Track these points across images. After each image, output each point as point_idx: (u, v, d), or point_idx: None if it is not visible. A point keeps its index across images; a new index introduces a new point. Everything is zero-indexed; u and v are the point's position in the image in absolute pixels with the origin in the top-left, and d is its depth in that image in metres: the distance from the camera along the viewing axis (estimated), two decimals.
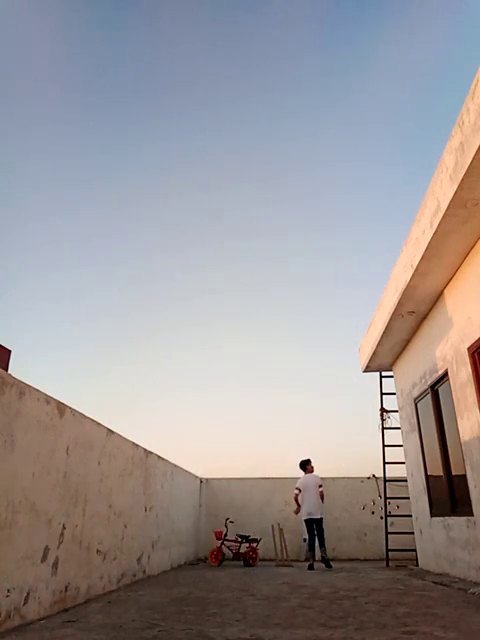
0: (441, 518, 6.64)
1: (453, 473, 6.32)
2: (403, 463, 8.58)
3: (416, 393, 7.58)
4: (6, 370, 5.04)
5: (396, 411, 8.91)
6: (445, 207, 4.75)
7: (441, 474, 6.66)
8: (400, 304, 6.65)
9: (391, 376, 9.19)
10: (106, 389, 18.26)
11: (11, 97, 15.78)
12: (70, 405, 4.34)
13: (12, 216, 17.35)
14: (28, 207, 17.77)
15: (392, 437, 8.99)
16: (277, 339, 19.49)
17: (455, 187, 4.47)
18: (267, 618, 3.56)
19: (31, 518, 3.58)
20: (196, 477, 10.67)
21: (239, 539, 9.10)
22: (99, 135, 17.99)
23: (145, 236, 19.58)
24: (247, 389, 18.69)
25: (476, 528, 5.45)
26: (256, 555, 8.79)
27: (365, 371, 9.44)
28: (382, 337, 7.74)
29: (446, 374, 6.31)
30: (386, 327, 7.39)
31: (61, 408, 4.17)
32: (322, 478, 8.57)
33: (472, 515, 5.54)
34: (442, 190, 4.83)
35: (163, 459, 7.71)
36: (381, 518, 9.66)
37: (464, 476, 5.79)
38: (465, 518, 5.75)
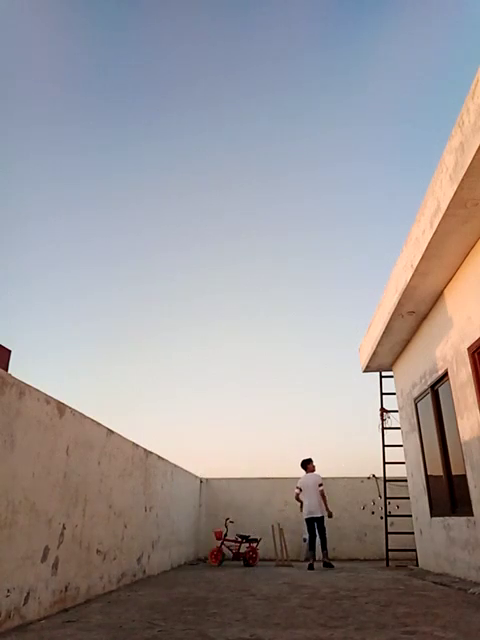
0: (441, 518, 6.64)
1: (453, 473, 6.32)
2: (403, 463, 8.58)
3: (416, 393, 7.58)
4: (6, 370, 5.04)
5: (396, 411, 8.91)
6: (445, 207, 4.75)
7: (441, 474, 6.66)
8: (400, 304, 6.65)
9: (391, 376, 9.19)
10: (106, 389, 18.27)
11: (11, 97, 15.79)
12: (70, 405, 4.35)
13: (12, 216, 17.37)
14: (28, 207, 17.78)
15: (392, 437, 9.00)
16: (277, 339, 19.50)
17: (455, 187, 4.47)
18: (267, 618, 3.56)
19: (31, 518, 3.58)
20: (196, 477, 10.68)
21: (239, 539, 9.10)
22: (99, 135, 18.00)
23: (145, 236, 19.59)
24: (247, 389, 18.70)
25: (476, 528, 5.45)
26: (256, 555, 8.79)
27: (365, 371, 9.44)
28: (382, 337, 7.74)
29: (446, 374, 6.31)
30: (386, 327, 7.39)
31: (61, 408, 4.17)
32: (323, 478, 8.57)
33: (472, 515, 5.54)
34: (442, 190, 4.83)
35: (163, 459, 7.71)
36: (381, 518, 9.66)
37: (464, 476, 5.79)
38: (465, 518, 5.75)
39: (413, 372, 7.74)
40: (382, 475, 9.07)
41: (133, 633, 3.08)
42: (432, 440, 6.97)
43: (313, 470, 8.65)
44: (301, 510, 8.53)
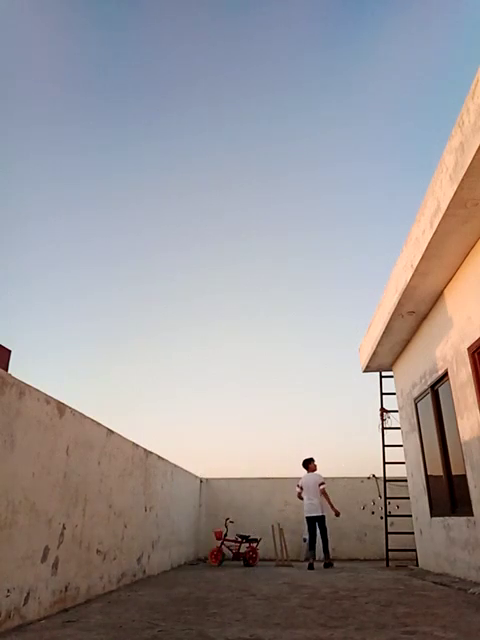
0: (441, 518, 6.64)
1: (453, 473, 6.33)
2: (403, 463, 8.58)
3: (416, 393, 7.58)
4: (6, 370, 5.04)
5: (396, 411, 8.91)
6: (445, 207, 4.75)
7: (441, 474, 6.66)
8: (400, 304, 6.65)
9: (391, 376, 9.20)
10: (106, 389, 18.27)
11: (11, 97, 15.79)
12: (70, 405, 4.35)
13: (12, 216, 17.36)
14: (28, 207, 17.78)
15: (392, 437, 9.00)
16: (277, 339, 19.50)
17: (455, 187, 4.47)
18: (267, 618, 3.56)
19: (31, 518, 3.58)
20: (196, 477, 10.68)
21: (239, 539, 9.10)
22: (99, 135, 17.99)
23: (145, 236, 19.58)
24: (247, 389, 18.70)
25: (476, 528, 5.45)
26: (256, 555, 8.79)
27: (365, 371, 9.44)
28: (382, 337, 7.74)
29: (446, 374, 6.31)
30: (386, 327, 7.39)
31: (61, 408, 4.17)
32: (323, 478, 8.59)
33: (472, 515, 5.54)
34: (442, 190, 4.83)
35: (163, 459, 7.71)
36: (381, 518, 9.65)
37: (464, 476, 5.79)
38: (465, 518, 5.75)
39: (413, 372, 7.74)
40: (382, 475, 9.07)
41: (133, 633, 3.08)
42: (432, 440, 6.97)
43: (314, 469, 8.66)
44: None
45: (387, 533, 8.73)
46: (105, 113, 17.65)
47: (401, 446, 8.68)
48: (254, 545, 8.90)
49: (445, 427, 6.59)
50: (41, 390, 3.85)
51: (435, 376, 6.69)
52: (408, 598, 4.49)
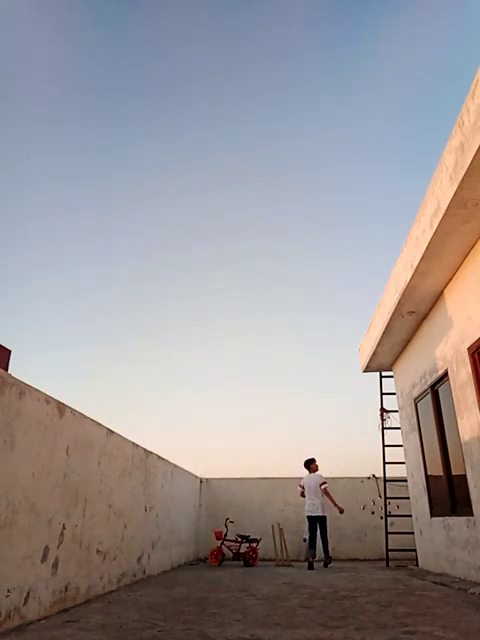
0: (441, 518, 6.64)
1: (453, 473, 6.33)
2: (403, 463, 8.58)
3: (416, 393, 7.58)
4: (6, 370, 5.04)
5: (396, 411, 8.91)
6: (445, 207, 4.75)
7: (441, 474, 6.66)
8: (400, 304, 6.65)
9: (391, 376, 9.20)
10: (106, 389, 18.26)
11: (11, 97, 15.79)
12: (70, 405, 4.35)
13: (12, 216, 17.36)
14: (28, 207, 17.78)
15: (392, 437, 9.00)
16: (277, 339, 19.49)
17: (455, 187, 4.47)
18: (267, 618, 3.56)
19: (31, 518, 3.58)
20: (196, 477, 10.67)
21: (239, 539, 9.10)
22: (99, 135, 17.99)
23: (145, 236, 19.58)
24: (247, 389, 18.70)
25: (476, 528, 5.45)
26: (256, 555, 8.79)
27: (365, 371, 9.44)
28: (382, 337, 7.74)
29: (446, 374, 6.31)
30: (386, 327, 7.39)
31: (61, 408, 4.17)
32: (324, 478, 8.62)
33: (472, 515, 5.54)
34: (442, 190, 4.83)
35: (163, 459, 7.71)
36: (381, 518, 9.65)
37: (464, 476, 5.79)
38: (465, 518, 5.75)
39: (413, 372, 7.74)
40: (382, 475, 9.07)
41: (133, 633, 3.08)
42: (432, 440, 6.97)
43: (316, 470, 8.70)
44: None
45: (387, 533, 8.73)
46: (105, 113, 17.66)
47: (401, 446, 8.68)
48: (254, 545, 8.90)
49: (445, 427, 6.59)
50: (41, 390, 3.85)
51: (435, 376, 6.69)
52: (408, 598, 4.49)
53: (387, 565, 8.37)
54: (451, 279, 6.04)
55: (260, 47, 17.02)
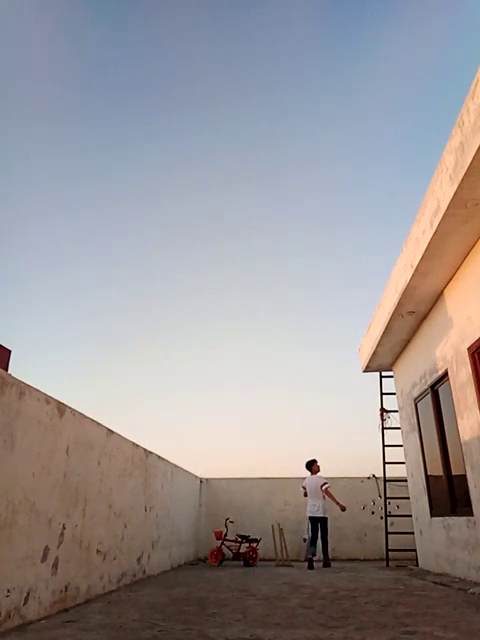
0: (441, 518, 6.64)
1: (453, 473, 6.33)
2: (403, 463, 8.59)
3: (416, 393, 7.58)
4: (6, 370, 5.04)
5: (396, 411, 8.91)
6: (445, 207, 4.75)
7: (441, 474, 6.66)
8: (400, 304, 6.65)
9: (391, 376, 9.20)
10: (106, 389, 18.26)
11: (11, 97, 15.79)
12: (70, 405, 4.35)
13: (12, 216, 17.36)
14: (28, 207, 17.78)
15: (392, 437, 9.00)
16: (277, 339, 19.49)
17: (455, 187, 4.47)
18: (267, 618, 3.56)
19: (31, 518, 3.58)
20: (196, 477, 10.67)
21: (239, 539, 9.10)
22: (99, 135, 17.99)
23: (145, 236, 19.58)
24: (247, 389, 18.70)
25: (476, 528, 5.45)
26: (256, 555, 8.79)
27: (365, 371, 9.44)
28: (382, 337, 7.74)
29: (446, 374, 6.31)
30: (386, 327, 7.39)
31: (61, 408, 4.17)
32: (325, 479, 8.64)
33: (472, 515, 5.54)
34: (442, 190, 4.83)
35: (163, 459, 7.71)
36: (381, 518, 9.65)
37: (464, 476, 5.79)
38: (465, 518, 5.75)
39: (413, 372, 7.74)
40: (382, 475, 9.07)
41: (133, 633, 3.08)
42: (432, 440, 6.97)
43: (317, 471, 8.75)
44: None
45: (387, 533, 8.73)
46: (105, 113, 17.65)
47: (401, 446, 8.68)
48: (254, 545, 8.90)
49: (445, 427, 6.59)
50: (41, 390, 3.85)
51: (435, 376, 6.69)
52: (408, 598, 4.49)
53: (387, 565, 8.37)
54: (451, 279, 6.04)
55: (260, 47, 17.03)
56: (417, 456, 7.65)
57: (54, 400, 4.05)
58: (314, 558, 8.10)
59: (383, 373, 9.43)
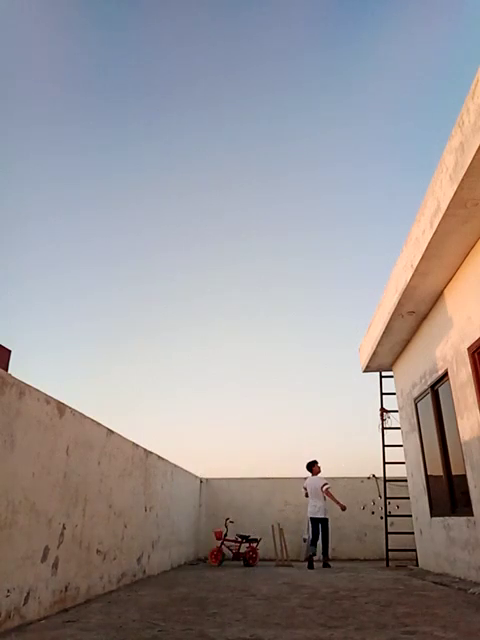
0: (441, 518, 6.64)
1: (453, 473, 6.33)
2: (403, 463, 8.59)
3: (416, 393, 7.58)
4: (6, 370, 5.04)
5: (396, 411, 8.91)
6: (445, 207, 4.75)
7: (441, 474, 6.66)
8: (400, 304, 6.65)
9: (391, 376, 9.19)
10: (106, 389, 18.26)
11: (11, 97, 15.79)
12: (70, 405, 4.34)
13: (12, 216, 17.36)
14: (28, 207, 17.78)
15: (392, 437, 9.00)
16: (277, 339, 19.49)
17: (455, 187, 4.47)
18: (267, 618, 3.56)
19: (31, 518, 3.58)
20: (196, 477, 10.67)
21: (239, 539, 9.10)
22: (99, 135, 17.99)
23: (145, 236, 19.58)
24: (247, 389, 18.70)
25: (476, 528, 5.45)
26: (256, 555, 8.79)
27: (365, 371, 9.44)
28: (382, 337, 7.74)
29: (446, 374, 6.31)
30: (386, 327, 7.39)
31: (61, 408, 4.17)
32: (326, 480, 8.65)
33: (472, 515, 5.54)
34: (442, 190, 4.83)
35: (163, 459, 7.71)
36: (381, 518, 9.65)
37: (464, 476, 5.79)
38: (465, 518, 5.75)
39: (413, 372, 7.74)
40: (382, 475, 9.07)
41: (133, 633, 3.08)
42: (432, 440, 6.97)
43: (318, 472, 8.78)
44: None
45: (387, 533, 8.73)
46: (105, 113, 17.65)
47: (401, 446, 8.68)
48: (254, 545, 8.90)
49: (445, 427, 6.59)
50: (41, 390, 3.85)
51: (435, 376, 6.69)
52: (408, 598, 4.49)
53: (387, 565, 8.38)
54: (451, 279, 6.04)
55: (260, 47, 17.03)
56: (417, 456, 7.65)
57: (54, 400, 4.05)
58: (314, 558, 8.13)
59: (383, 373, 9.43)
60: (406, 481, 8.49)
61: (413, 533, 8.09)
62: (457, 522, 6.03)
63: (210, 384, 18.36)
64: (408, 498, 8.40)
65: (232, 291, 19.98)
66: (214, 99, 17.73)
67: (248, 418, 16.54)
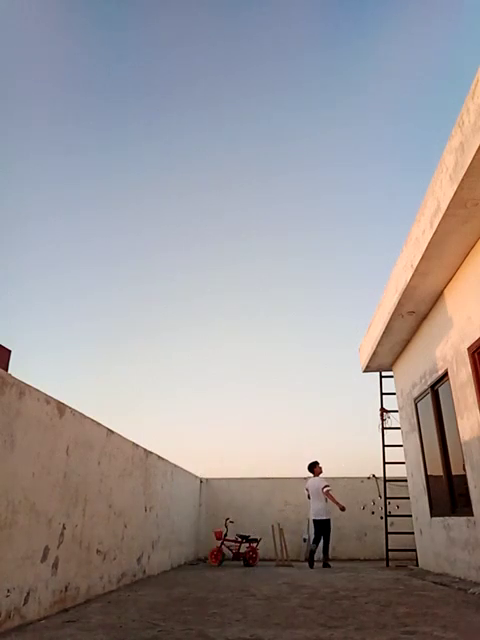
0: (441, 518, 6.64)
1: (453, 473, 6.32)
2: (403, 463, 8.58)
3: (416, 393, 7.58)
4: (6, 370, 5.04)
5: (396, 411, 8.91)
6: (445, 207, 4.75)
7: (441, 474, 6.66)
8: (400, 304, 6.65)
9: (391, 376, 9.19)
10: (106, 389, 18.26)
11: (11, 97, 15.79)
12: (70, 405, 4.34)
13: (12, 216, 17.36)
14: (28, 207, 17.78)
15: (392, 437, 9.00)
16: (277, 339, 19.49)
17: (455, 187, 4.46)
18: (267, 618, 3.56)
19: (31, 518, 3.58)
20: (196, 477, 10.67)
21: (239, 539, 9.10)
22: (99, 135, 18.00)
23: (145, 236, 19.58)
24: (247, 389, 18.69)
25: (476, 528, 5.45)
26: (256, 555, 8.79)
27: (365, 371, 9.44)
28: (382, 337, 7.74)
29: (446, 374, 6.30)
30: (386, 327, 7.39)
31: (61, 408, 4.17)
32: (326, 481, 8.66)
33: (472, 515, 5.54)
34: (442, 190, 4.83)
35: (163, 459, 7.71)
36: (381, 518, 9.65)
37: (464, 476, 5.79)
38: (465, 518, 5.75)
39: (413, 372, 7.74)
40: (382, 475, 9.07)
41: (133, 633, 3.08)
42: (432, 440, 6.97)
43: (319, 472, 8.81)
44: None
45: (387, 533, 8.73)
46: (105, 113, 17.65)
47: (401, 446, 8.68)
48: (254, 545, 8.90)
49: (445, 427, 6.59)
50: (41, 390, 3.85)
51: (435, 376, 6.69)
52: (408, 598, 4.49)
53: (387, 565, 8.38)
54: (451, 279, 6.04)
55: (260, 47, 17.03)
56: (417, 456, 7.65)
57: (54, 400, 4.05)
58: (315, 557, 8.14)
59: (383, 373, 9.43)
60: (406, 481, 8.49)
61: (413, 533, 8.09)
62: (457, 522, 6.03)
63: (210, 384, 18.36)
64: (408, 498, 8.40)
65: (232, 291, 19.99)
66: (214, 99, 17.75)
67: (248, 418, 16.56)
